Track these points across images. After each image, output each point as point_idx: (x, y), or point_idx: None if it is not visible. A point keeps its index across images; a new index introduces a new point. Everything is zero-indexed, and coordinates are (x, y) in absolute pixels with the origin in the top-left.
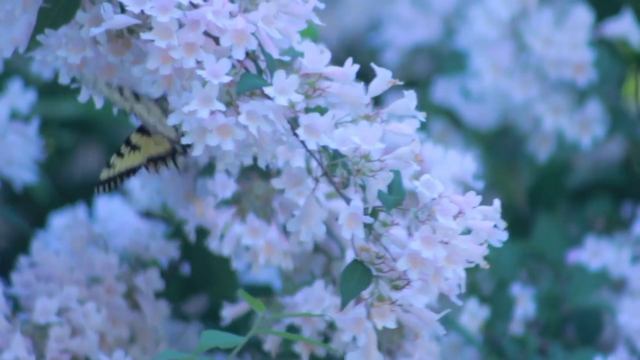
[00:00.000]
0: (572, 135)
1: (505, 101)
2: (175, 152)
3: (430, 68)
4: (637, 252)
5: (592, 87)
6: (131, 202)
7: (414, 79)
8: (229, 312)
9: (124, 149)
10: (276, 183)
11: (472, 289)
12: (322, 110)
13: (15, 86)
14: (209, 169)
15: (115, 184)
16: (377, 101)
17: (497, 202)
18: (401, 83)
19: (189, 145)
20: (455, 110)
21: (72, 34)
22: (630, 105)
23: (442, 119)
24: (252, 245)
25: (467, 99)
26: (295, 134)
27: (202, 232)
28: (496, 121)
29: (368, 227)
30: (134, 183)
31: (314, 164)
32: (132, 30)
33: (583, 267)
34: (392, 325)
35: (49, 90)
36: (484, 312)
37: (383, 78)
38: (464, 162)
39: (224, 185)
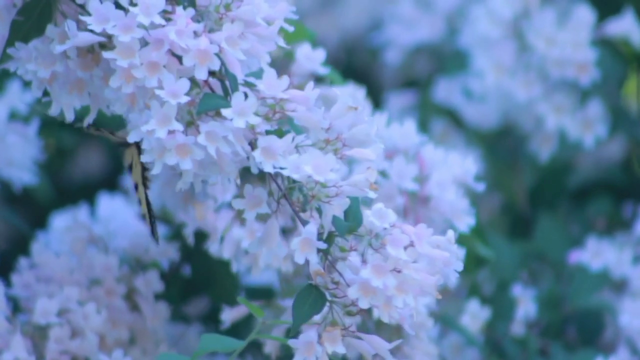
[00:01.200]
0: (575, 134)
1: (507, 101)
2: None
3: (431, 68)
4: (638, 252)
5: (594, 87)
6: (132, 203)
7: (415, 78)
8: (228, 316)
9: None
10: (236, 204)
11: (473, 289)
12: (281, 134)
13: (14, 87)
14: None
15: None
16: (377, 103)
17: (450, 233)
18: (356, 108)
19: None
20: (456, 110)
21: (42, 48)
22: (632, 105)
23: (443, 119)
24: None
25: (469, 99)
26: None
27: (202, 235)
28: (497, 121)
29: (324, 252)
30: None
31: (274, 186)
32: (103, 45)
33: (584, 267)
34: (341, 350)
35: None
36: (485, 313)
37: (343, 103)
38: (465, 164)
39: (224, 189)
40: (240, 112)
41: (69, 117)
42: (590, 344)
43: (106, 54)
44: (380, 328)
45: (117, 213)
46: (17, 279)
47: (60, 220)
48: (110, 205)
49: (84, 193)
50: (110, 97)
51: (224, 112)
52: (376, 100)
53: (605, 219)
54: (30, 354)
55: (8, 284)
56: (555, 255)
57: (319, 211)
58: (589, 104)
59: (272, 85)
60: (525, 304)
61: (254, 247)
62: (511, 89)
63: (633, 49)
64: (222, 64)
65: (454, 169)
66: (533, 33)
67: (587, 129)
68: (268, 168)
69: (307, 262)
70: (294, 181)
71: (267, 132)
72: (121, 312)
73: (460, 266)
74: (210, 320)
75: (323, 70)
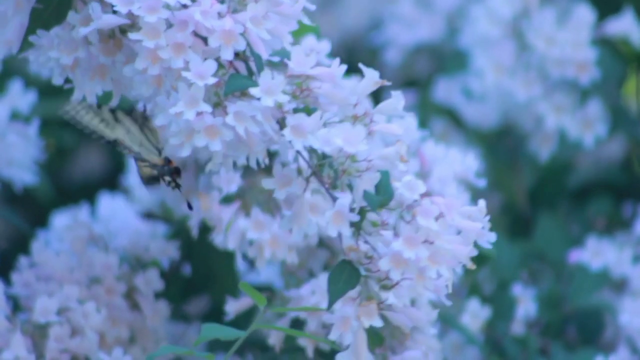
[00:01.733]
0: (575, 134)
1: (507, 100)
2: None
3: (431, 67)
4: (638, 252)
5: (594, 86)
6: (132, 202)
7: (415, 78)
8: (232, 308)
9: (107, 115)
10: (266, 184)
11: (474, 289)
12: (309, 111)
13: (15, 87)
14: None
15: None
16: (378, 102)
17: (481, 203)
18: (389, 83)
19: (174, 171)
20: (456, 109)
21: (64, 35)
22: (631, 105)
23: (443, 119)
24: (257, 239)
25: (469, 99)
26: (282, 135)
27: (203, 232)
28: (497, 121)
29: (357, 227)
30: (134, 181)
31: (303, 164)
32: (123, 30)
33: (584, 267)
34: (378, 324)
35: (50, 90)
36: (485, 312)
37: (371, 78)
38: (466, 160)
39: (229, 180)
40: (268, 91)
41: (91, 101)
42: (591, 343)
43: (132, 35)
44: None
45: (117, 213)
46: (17, 278)
47: (60, 220)
48: (110, 205)
49: (84, 192)
50: (136, 80)
51: (252, 91)
52: (376, 99)
53: (605, 218)
54: (30, 353)
55: (8, 282)
56: (555, 255)
57: (350, 187)
58: (588, 103)
59: (300, 62)
60: (526, 303)
61: (285, 226)
62: (511, 89)
63: (633, 48)
64: (247, 44)
65: (455, 165)
66: (533, 33)
67: (587, 128)
68: (298, 146)
69: (338, 235)
70: (324, 157)
71: (295, 111)
72: (121, 311)
73: (493, 237)
74: (211, 319)
75: (328, 62)
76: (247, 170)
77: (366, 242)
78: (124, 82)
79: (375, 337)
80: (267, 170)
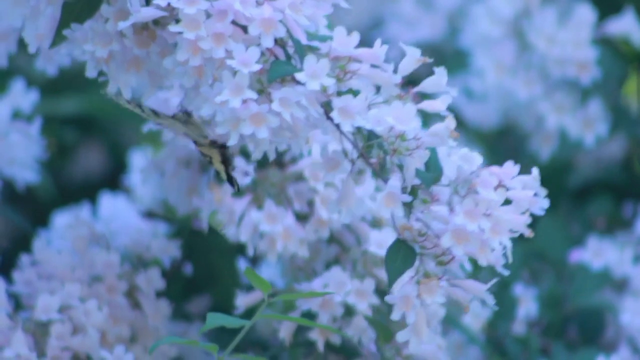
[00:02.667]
0: (575, 133)
1: (508, 100)
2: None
3: (431, 67)
4: (639, 251)
5: (594, 86)
6: (134, 201)
7: (416, 77)
8: (242, 301)
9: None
10: (314, 168)
11: None
12: (354, 93)
13: (17, 86)
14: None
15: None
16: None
17: (535, 171)
18: (430, 60)
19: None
20: (456, 109)
21: (98, 28)
22: (632, 104)
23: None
24: (269, 231)
25: (470, 98)
26: (329, 118)
27: (204, 232)
28: (498, 120)
29: (408, 206)
30: (137, 180)
31: (349, 146)
32: (157, 22)
33: (585, 266)
34: (441, 300)
35: (50, 88)
36: (486, 312)
37: (412, 56)
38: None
39: (242, 172)
40: (313, 75)
41: (126, 95)
42: (592, 343)
43: (172, 28)
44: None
45: (118, 212)
46: (19, 276)
47: (61, 219)
48: (112, 205)
49: (85, 192)
50: (177, 72)
51: (298, 76)
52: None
53: (605, 218)
54: (31, 351)
55: (10, 281)
56: (556, 255)
57: (400, 167)
58: (589, 103)
59: (343, 42)
60: (527, 303)
61: (332, 209)
62: (512, 88)
63: (633, 48)
64: (288, 31)
65: (450, 170)
66: (534, 32)
67: (588, 128)
68: (347, 127)
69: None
70: (373, 137)
71: (339, 93)
72: (122, 310)
73: (546, 204)
74: None
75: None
76: (258, 164)
77: (418, 220)
78: (159, 73)
79: (385, 332)
80: (279, 164)
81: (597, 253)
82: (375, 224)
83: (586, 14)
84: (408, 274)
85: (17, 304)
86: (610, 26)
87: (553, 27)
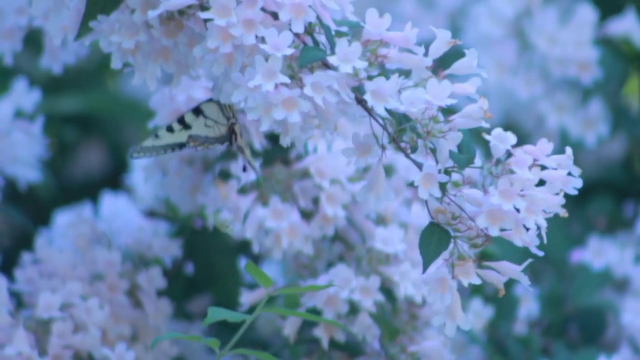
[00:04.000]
0: (576, 133)
1: (509, 99)
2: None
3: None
4: None
5: (595, 86)
6: (135, 200)
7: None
8: (246, 299)
9: (175, 126)
10: (345, 153)
11: (476, 288)
12: (386, 76)
13: (20, 85)
14: (226, 156)
15: (155, 154)
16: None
17: (569, 150)
18: (461, 42)
19: (233, 131)
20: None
21: (124, 19)
22: (633, 104)
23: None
24: (275, 228)
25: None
26: (361, 101)
27: (206, 231)
28: (499, 120)
29: (442, 188)
30: (138, 180)
31: (379, 131)
32: (182, 12)
33: (586, 266)
34: (477, 281)
35: (52, 87)
36: (487, 312)
37: (443, 39)
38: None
39: (250, 168)
40: (345, 59)
41: (152, 86)
42: (593, 342)
43: (203, 14)
44: (396, 315)
45: (120, 212)
46: (21, 274)
47: (62, 218)
48: (113, 204)
49: (85, 191)
50: (207, 59)
51: (331, 59)
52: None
53: (606, 218)
54: (33, 348)
55: (11, 279)
56: (557, 255)
57: (433, 151)
58: (590, 103)
59: (376, 24)
60: (528, 303)
61: (362, 196)
62: (513, 88)
63: (634, 48)
64: (317, 17)
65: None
66: (535, 32)
67: (589, 128)
68: (380, 110)
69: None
70: (404, 121)
71: (369, 77)
72: (124, 308)
73: (580, 183)
74: None
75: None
76: (264, 161)
77: (450, 203)
78: (185, 63)
79: (391, 329)
80: (285, 160)
81: (598, 253)
82: (380, 221)
83: (587, 14)
84: (442, 257)
85: (19, 302)
86: (612, 26)
87: (554, 27)
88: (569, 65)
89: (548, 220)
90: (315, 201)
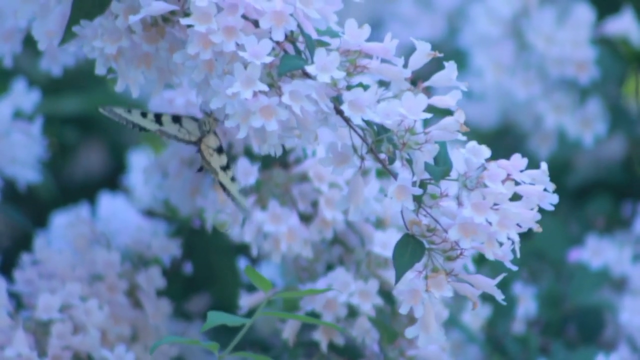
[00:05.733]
0: (574, 133)
1: (507, 100)
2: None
3: (431, 66)
4: (638, 250)
5: (593, 86)
6: (133, 201)
7: (415, 77)
8: (246, 301)
9: (150, 116)
10: (323, 162)
11: None
12: (364, 87)
13: (19, 86)
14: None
15: (118, 120)
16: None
17: (544, 165)
18: (441, 55)
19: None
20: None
21: (108, 25)
22: (631, 104)
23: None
24: (274, 232)
25: (469, 98)
26: (339, 111)
27: (205, 231)
28: (497, 120)
29: (417, 200)
30: (136, 180)
31: (358, 141)
32: (166, 19)
33: (584, 266)
34: (449, 294)
35: (51, 88)
36: (485, 311)
37: (423, 51)
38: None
39: (246, 172)
40: (324, 68)
41: (135, 92)
42: (591, 341)
43: (184, 20)
44: (395, 319)
45: (117, 212)
46: (20, 275)
47: (60, 220)
48: (111, 205)
49: (85, 192)
50: (187, 66)
51: (309, 69)
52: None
53: (604, 217)
54: (32, 350)
55: (11, 280)
56: (555, 254)
57: (409, 162)
58: (588, 102)
59: (355, 35)
60: (526, 302)
61: (342, 205)
62: (510, 88)
63: (632, 48)
64: (298, 25)
65: (458, 164)
66: (532, 32)
67: (587, 127)
68: (357, 121)
69: (401, 210)
70: (382, 132)
71: (348, 87)
72: (123, 308)
73: (556, 199)
74: None
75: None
76: (263, 164)
77: (426, 215)
78: (168, 70)
79: (388, 333)
80: (283, 164)
81: (596, 252)
82: (379, 224)
83: (585, 14)
84: (415, 268)
85: (18, 303)
86: (609, 26)
87: (552, 27)
88: (566, 65)
89: (546, 219)
90: (314, 205)
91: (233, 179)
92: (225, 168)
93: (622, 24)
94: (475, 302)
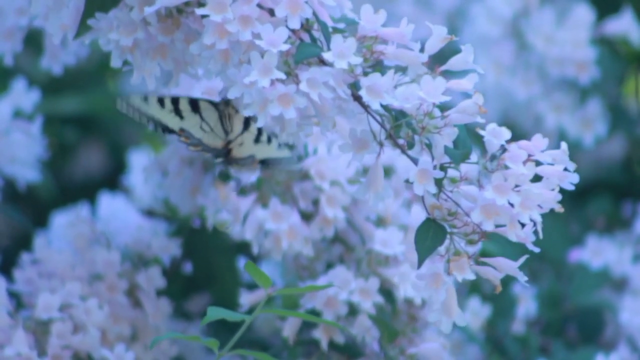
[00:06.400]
0: (574, 133)
1: (507, 99)
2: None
3: (430, 67)
4: (638, 250)
5: (593, 86)
6: (133, 201)
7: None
8: (246, 299)
9: (167, 103)
10: (342, 148)
11: (474, 287)
12: (382, 72)
13: (19, 85)
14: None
15: (137, 117)
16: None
17: (564, 145)
18: (457, 38)
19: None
20: None
21: (123, 17)
22: (631, 104)
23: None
24: (274, 230)
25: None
26: (357, 97)
27: (205, 230)
28: (497, 120)
29: (438, 184)
30: (136, 180)
31: (376, 128)
32: (180, 10)
33: (584, 266)
34: (471, 277)
35: (51, 87)
36: (485, 311)
37: (439, 35)
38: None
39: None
40: (341, 55)
41: (151, 85)
42: (591, 341)
43: (199, 10)
44: (395, 317)
45: (117, 212)
46: (20, 275)
47: (60, 220)
48: (111, 205)
49: (84, 192)
50: (203, 56)
51: (325, 55)
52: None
53: (605, 217)
54: (32, 349)
55: (10, 279)
56: (556, 254)
57: (428, 146)
58: (588, 102)
59: (371, 20)
60: (526, 302)
61: (361, 194)
62: (511, 88)
63: (632, 48)
64: (313, 13)
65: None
66: (532, 32)
67: (587, 127)
68: (375, 106)
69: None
70: (401, 117)
71: (365, 73)
72: (123, 308)
73: (576, 178)
74: None
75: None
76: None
77: (447, 199)
78: (183, 60)
79: (390, 330)
80: None
81: (597, 252)
82: (380, 223)
83: (585, 14)
84: (437, 252)
85: (18, 302)
86: (609, 26)
87: (552, 27)
88: (566, 65)
89: (546, 219)
90: (315, 203)
91: (269, 140)
92: (258, 136)
93: (622, 24)
94: (498, 286)
